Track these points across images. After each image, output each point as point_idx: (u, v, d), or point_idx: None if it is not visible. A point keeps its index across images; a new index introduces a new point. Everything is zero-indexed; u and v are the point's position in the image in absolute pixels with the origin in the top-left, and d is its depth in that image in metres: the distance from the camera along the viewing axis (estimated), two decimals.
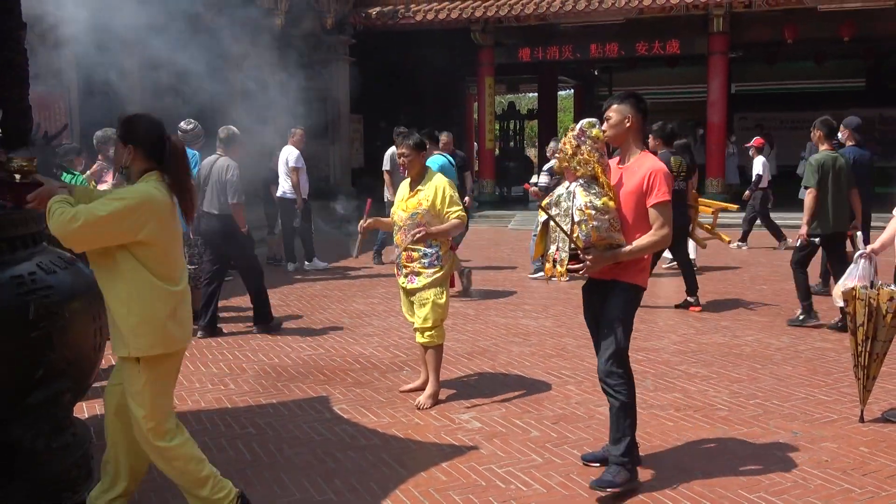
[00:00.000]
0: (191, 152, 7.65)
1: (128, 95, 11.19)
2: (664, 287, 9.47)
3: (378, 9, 18.51)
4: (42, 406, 3.41)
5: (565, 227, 3.85)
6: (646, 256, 3.99)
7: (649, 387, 5.59)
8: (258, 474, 4.17)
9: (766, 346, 6.68)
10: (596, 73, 26.68)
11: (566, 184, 3.97)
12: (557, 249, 3.94)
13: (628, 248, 3.85)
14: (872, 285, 4.95)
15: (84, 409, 5.12)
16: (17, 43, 3.87)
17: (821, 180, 7.11)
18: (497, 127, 21.97)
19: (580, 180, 3.89)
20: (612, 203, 3.84)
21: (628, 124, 3.96)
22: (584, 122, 3.96)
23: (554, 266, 3.95)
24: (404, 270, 5.27)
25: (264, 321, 7.40)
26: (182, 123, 8.20)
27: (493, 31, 18.11)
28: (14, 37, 3.86)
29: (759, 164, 12.71)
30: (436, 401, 5.26)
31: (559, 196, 3.95)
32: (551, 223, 3.95)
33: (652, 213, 3.87)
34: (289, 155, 10.84)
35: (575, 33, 18.45)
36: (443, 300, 5.21)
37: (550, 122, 24.41)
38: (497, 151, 21.96)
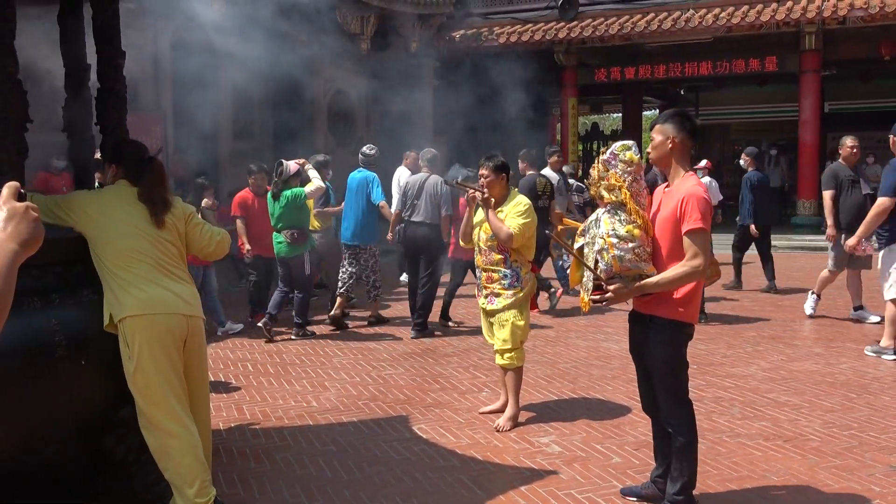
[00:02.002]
0: (370, 174, 8.68)
1: (217, 120, 11.59)
2: (742, 310, 9.19)
3: (462, 32, 18.70)
4: (132, 420, 3.53)
5: (591, 255, 3.71)
6: (689, 288, 3.64)
7: (737, 415, 5.43)
8: (338, 492, 4.21)
9: (862, 374, 6.41)
10: (682, 92, 26.23)
11: (599, 210, 3.81)
12: (587, 279, 3.79)
13: (654, 280, 3.59)
14: None
15: None
16: (116, 71, 4.06)
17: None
18: (580, 147, 21.83)
19: (608, 206, 3.71)
20: (638, 231, 3.61)
21: (671, 145, 3.72)
22: (617, 144, 3.77)
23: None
24: (484, 291, 5.27)
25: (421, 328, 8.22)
26: (365, 148, 9.12)
27: (577, 52, 18.05)
28: (114, 65, 4.05)
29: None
30: (515, 423, 5.23)
31: (589, 223, 3.82)
32: (585, 251, 3.82)
33: (685, 241, 3.57)
34: (401, 176, 10.96)
35: (661, 53, 18.23)
36: (522, 322, 5.18)
37: (635, 143, 24.10)
38: (580, 172, 21.78)
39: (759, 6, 16.45)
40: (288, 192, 7.85)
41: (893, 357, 6.87)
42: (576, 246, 3.93)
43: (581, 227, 3.95)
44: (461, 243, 5.74)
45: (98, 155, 4.29)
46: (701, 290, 3.77)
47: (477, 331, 7.32)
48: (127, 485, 3.54)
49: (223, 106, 13.09)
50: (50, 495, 3.48)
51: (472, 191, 5.26)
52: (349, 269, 8.69)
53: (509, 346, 5.18)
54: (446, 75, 17.64)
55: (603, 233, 3.65)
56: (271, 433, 5.16)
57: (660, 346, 3.72)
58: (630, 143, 3.80)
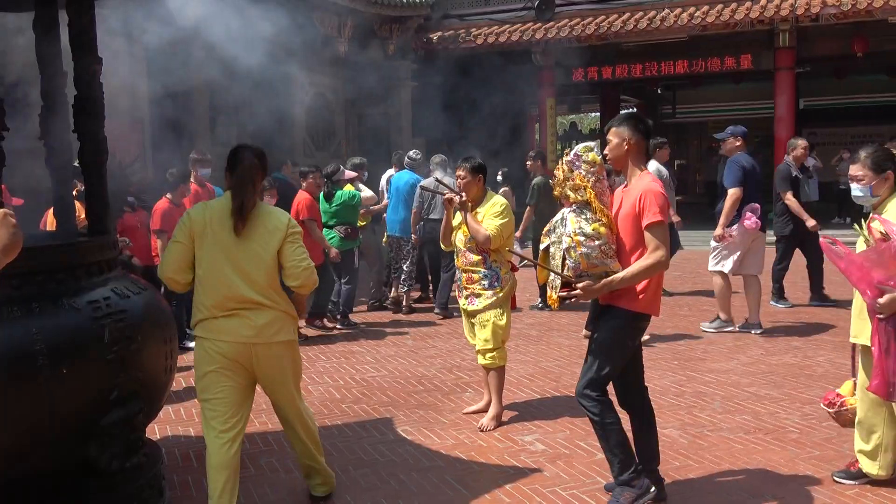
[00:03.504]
0: (415, 176, 9.57)
1: (194, 127, 11.54)
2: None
3: (439, 34, 18.73)
4: (116, 427, 3.52)
5: (558, 254, 3.80)
6: (649, 281, 3.76)
7: (718, 409, 5.49)
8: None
9: (839, 366, 6.49)
10: (659, 91, 26.41)
11: (564, 210, 3.90)
12: (554, 277, 3.86)
13: (620, 275, 3.70)
14: None
15: (156, 431, 5.25)
16: (93, 78, 4.04)
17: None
18: (559, 147, 21.91)
19: (573, 206, 3.81)
20: (603, 229, 3.72)
21: (626, 147, 3.85)
22: (580, 146, 3.88)
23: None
24: (465, 292, 5.30)
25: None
26: (411, 153, 9.97)
27: (554, 53, 18.12)
28: (90, 72, 4.03)
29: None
30: (499, 422, 5.26)
31: (555, 223, 3.91)
32: (551, 249, 3.90)
33: (646, 235, 3.71)
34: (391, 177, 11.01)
35: (637, 52, 18.34)
36: (503, 321, 5.21)
37: (597, 144, 24.21)
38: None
39: (734, 5, 16.60)
40: (343, 193, 8.62)
41: (733, 328, 7.92)
42: (542, 245, 4.02)
43: (546, 226, 4.02)
44: (442, 246, 5.77)
45: (76, 163, 4.26)
46: (659, 283, 3.87)
47: (459, 331, 7.34)
48: (113, 493, 3.53)
49: (200, 112, 13.03)
50: None
51: (448, 194, 5.30)
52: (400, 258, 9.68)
53: (491, 346, 5.21)
54: (424, 77, 17.67)
55: (570, 231, 3.74)
56: (255, 438, 5.16)
57: (607, 329, 3.85)
58: (592, 144, 3.90)
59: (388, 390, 6.22)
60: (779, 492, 4.09)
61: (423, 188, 8.45)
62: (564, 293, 3.81)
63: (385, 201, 9.96)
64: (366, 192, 9.16)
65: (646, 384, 4.14)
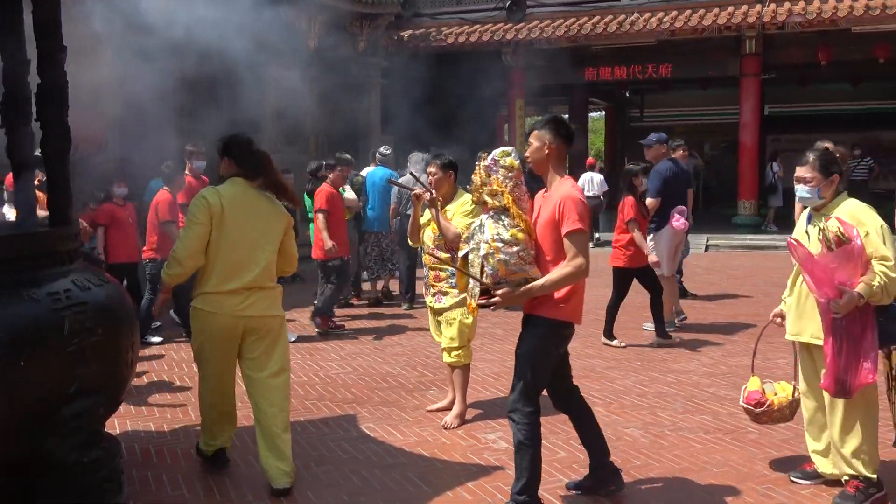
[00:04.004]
0: (388, 171, 9.90)
1: (161, 116, 11.36)
2: (700, 311, 9.40)
3: (410, 32, 18.70)
4: (75, 420, 3.47)
5: (476, 261, 3.74)
6: (569, 288, 3.71)
7: (678, 409, 5.55)
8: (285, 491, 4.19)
9: None
10: (627, 94, 26.61)
11: (482, 216, 3.84)
12: (473, 284, 3.80)
13: (540, 282, 3.65)
14: None
15: (115, 425, 5.19)
16: (57, 65, 3.98)
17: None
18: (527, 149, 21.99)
19: (491, 212, 3.75)
20: (521, 235, 3.66)
21: (547, 151, 3.80)
22: (497, 151, 3.83)
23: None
24: (432, 290, 5.31)
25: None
26: (382, 148, 10.33)
27: (524, 54, 18.19)
28: (54, 59, 3.97)
29: (581, 179, 15.76)
30: (462, 420, 5.27)
31: (474, 229, 3.84)
32: (470, 256, 3.84)
33: (565, 242, 3.65)
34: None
35: (606, 55, 18.47)
36: (469, 320, 5.22)
37: (581, 144, 24.36)
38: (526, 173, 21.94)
39: (702, 11, 16.79)
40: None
41: (673, 328, 8.07)
42: (461, 253, 3.95)
43: (464, 234, 3.98)
44: (409, 242, 5.77)
45: (38, 152, 4.20)
46: (582, 291, 3.81)
47: (424, 329, 7.34)
48: (71, 487, 3.48)
49: (167, 105, 12.86)
50: None
51: (416, 191, 5.29)
52: (372, 254, 9.91)
53: (457, 344, 5.22)
54: (394, 75, 17.63)
55: (488, 237, 3.67)
56: None
57: (530, 338, 3.79)
58: (510, 149, 3.86)
59: (353, 387, 6.21)
60: (737, 491, 4.15)
61: (391, 183, 8.46)
62: (483, 301, 3.75)
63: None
64: (349, 194, 9.13)
65: (574, 384, 4.15)
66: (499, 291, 3.67)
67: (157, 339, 7.87)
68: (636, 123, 27.52)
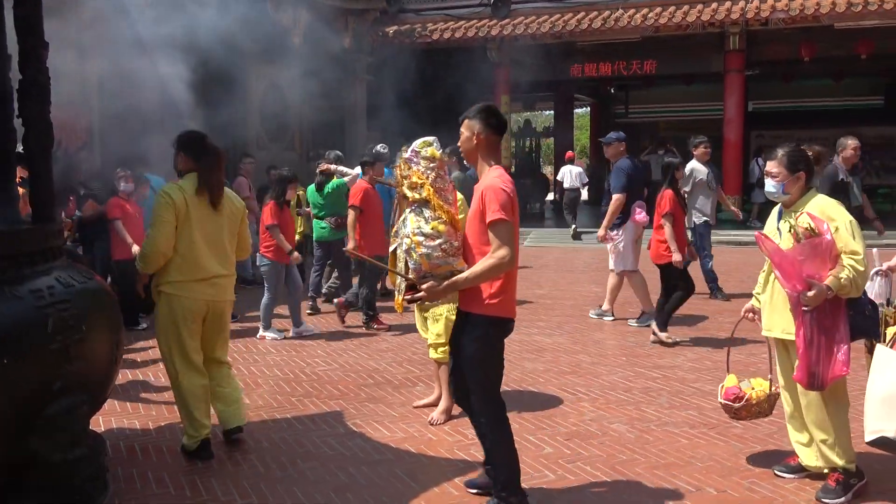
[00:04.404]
0: (386, 170, 9.42)
1: (144, 116, 11.31)
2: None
3: (395, 28, 18.67)
4: (59, 418, 3.45)
5: (402, 256, 3.70)
6: (499, 283, 3.65)
7: (664, 404, 5.58)
8: (271, 488, 4.19)
9: None
10: (612, 90, 26.69)
11: (406, 209, 3.77)
12: (401, 279, 3.76)
13: (464, 275, 3.59)
14: (888, 303, 4.92)
15: (100, 422, 5.16)
16: (39, 61, 3.95)
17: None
18: (513, 144, 22.02)
19: (414, 205, 3.68)
20: (443, 227, 3.60)
21: (476, 141, 3.74)
22: (418, 141, 3.76)
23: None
24: None
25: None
26: (378, 146, 9.98)
27: (509, 50, 18.20)
28: (37, 55, 3.93)
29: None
30: (449, 416, 5.27)
31: (399, 224, 3.78)
32: (398, 252, 3.78)
33: (489, 233, 3.57)
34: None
35: (591, 51, 18.52)
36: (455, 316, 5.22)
37: (566, 140, 24.44)
38: (512, 169, 22.00)
39: (686, 7, 16.85)
40: (332, 183, 8.92)
41: (612, 318, 8.44)
42: (391, 248, 3.91)
43: (394, 228, 3.93)
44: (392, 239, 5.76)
45: (20, 148, 4.16)
46: (513, 284, 3.75)
47: (411, 326, 7.34)
48: (54, 486, 3.46)
49: (151, 101, 12.78)
50: None
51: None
52: None
53: (443, 341, 5.21)
54: (380, 71, 17.60)
55: (409, 231, 3.63)
56: None
57: (471, 342, 3.71)
58: (431, 139, 3.79)
59: (339, 384, 6.20)
60: (722, 485, 4.17)
61: (379, 182, 8.44)
62: (409, 296, 3.69)
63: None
64: (349, 177, 8.90)
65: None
66: (423, 286, 3.61)
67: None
68: (621, 119, 27.58)
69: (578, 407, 5.53)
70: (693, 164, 9.49)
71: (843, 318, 3.86)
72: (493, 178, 3.66)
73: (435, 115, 18.51)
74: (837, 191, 7.63)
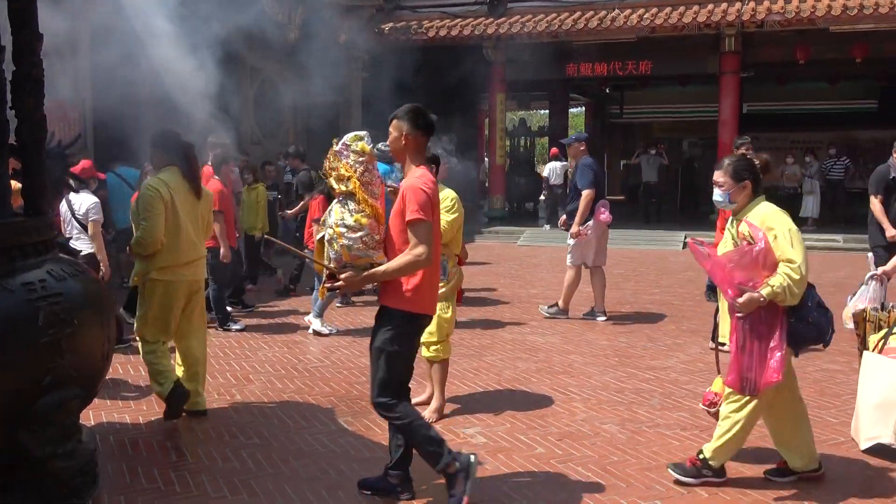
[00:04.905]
0: (385, 167, 9.14)
1: (140, 107, 11.25)
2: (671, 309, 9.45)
3: (391, 25, 18.63)
4: (49, 413, 3.42)
5: (325, 246, 3.85)
6: (416, 279, 3.77)
7: (656, 405, 5.58)
8: (262, 485, 4.17)
9: None
10: (607, 91, 26.69)
11: (334, 201, 3.91)
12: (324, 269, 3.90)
13: (382, 268, 3.72)
14: (883, 307, 4.94)
15: (90, 416, 5.14)
16: (33, 54, 3.92)
17: None
18: (508, 143, 22.02)
19: (340, 197, 3.82)
20: (365, 220, 3.73)
21: (404, 141, 3.85)
22: (349, 135, 3.88)
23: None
24: None
25: None
26: (380, 144, 9.65)
27: (505, 49, 18.19)
28: (30, 48, 3.90)
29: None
30: (441, 415, 5.26)
31: (326, 214, 3.94)
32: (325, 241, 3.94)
33: (408, 231, 3.72)
34: None
35: (587, 51, 18.50)
36: (448, 315, 5.22)
37: (368, 133, 24.36)
38: (507, 167, 22.01)
39: (682, 8, 16.85)
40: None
41: (567, 317, 8.61)
42: (317, 237, 4.11)
43: (322, 217, 4.10)
44: None
45: (13, 140, 4.13)
46: (432, 281, 3.86)
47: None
48: (44, 481, 3.43)
49: (144, 96, 12.72)
50: None
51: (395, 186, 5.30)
52: None
53: (435, 339, 5.21)
54: (375, 68, 17.57)
55: (332, 223, 3.77)
56: (194, 427, 5.08)
57: (382, 332, 3.84)
58: (363, 133, 3.89)
59: (331, 381, 6.19)
60: (713, 488, 4.17)
61: None
62: (329, 284, 3.83)
63: None
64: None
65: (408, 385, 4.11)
66: (342, 275, 3.74)
67: (237, 325, 8.07)
68: (616, 120, 27.62)
69: (570, 407, 5.53)
70: None
71: (779, 326, 3.91)
72: (415, 179, 3.79)
73: (430, 112, 18.52)
74: (889, 190, 7.55)
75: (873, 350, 4.66)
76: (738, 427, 4.06)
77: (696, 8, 16.73)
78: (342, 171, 3.79)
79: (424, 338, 5.23)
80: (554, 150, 19.12)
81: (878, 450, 4.53)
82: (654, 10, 17.01)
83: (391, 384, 3.84)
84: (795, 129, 23.56)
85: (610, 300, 8.90)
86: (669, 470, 4.22)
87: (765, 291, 3.79)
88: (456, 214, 5.18)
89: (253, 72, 15.88)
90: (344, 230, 3.71)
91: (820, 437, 4.91)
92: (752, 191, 4.09)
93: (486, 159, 20.08)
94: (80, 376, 3.62)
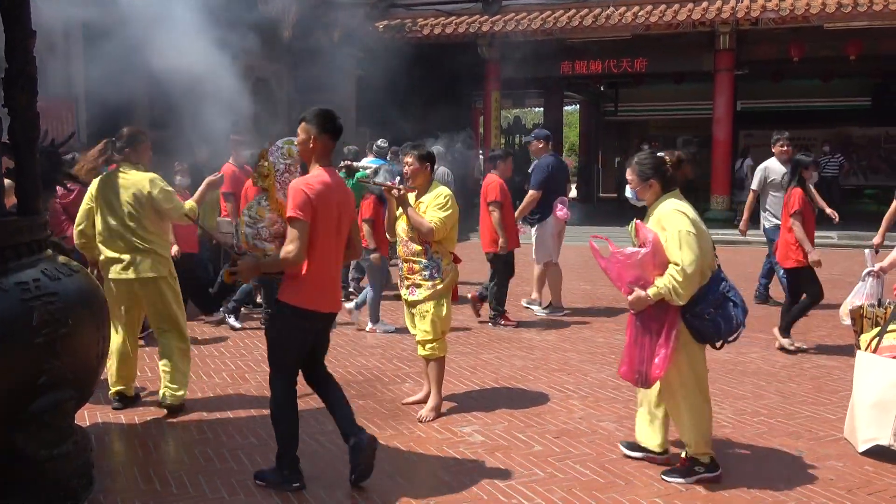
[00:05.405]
0: (379, 161, 9.74)
1: (131, 108, 11.22)
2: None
3: (386, 22, 18.60)
4: (45, 414, 3.40)
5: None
6: (301, 276, 3.94)
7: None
8: (259, 485, 4.14)
9: (771, 363, 6.66)
10: (602, 88, 26.70)
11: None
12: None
13: (265, 260, 3.99)
14: (880, 304, 4.93)
15: (85, 417, 5.11)
16: (26, 52, 3.89)
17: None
18: (503, 141, 22.01)
19: (260, 192, 4.16)
20: (267, 214, 4.04)
21: (312, 144, 4.00)
22: (284, 139, 4.18)
23: None
24: (406, 282, 5.28)
25: None
26: (379, 141, 10.30)
27: (500, 46, 18.17)
28: (23, 46, 3.87)
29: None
30: (438, 413, 5.25)
31: (247, 205, 4.27)
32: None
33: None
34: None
35: (582, 49, 18.50)
36: (443, 313, 5.19)
37: (555, 138, 24.42)
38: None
39: (676, 6, 16.85)
40: (361, 175, 8.82)
41: (539, 308, 8.80)
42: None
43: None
44: (387, 236, 5.76)
45: (6, 138, 4.10)
46: (318, 279, 3.98)
47: (400, 321, 7.31)
48: (40, 482, 3.41)
49: (138, 93, 12.68)
50: None
51: (388, 184, 5.35)
52: None
53: (430, 337, 5.19)
54: (369, 66, 17.54)
55: (244, 213, 4.13)
56: (190, 427, 5.06)
57: (274, 322, 4.17)
58: (295, 139, 4.11)
59: None
60: (711, 485, 4.16)
61: (360, 182, 8.40)
62: (231, 269, 4.07)
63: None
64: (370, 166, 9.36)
65: (328, 372, 4.38)
66: (239, 262, 4.02)
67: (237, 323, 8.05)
68: (610, 118, 27.63)
69: (568, 405, 5.52)
70: (768, 163, 8.96)
71: (670, 323, 3.99)
72: (301, 178, 3.99)
73: (425, 110, 18.49)
74: None
75: (866, 349, 4.65)
76: (694, 415, 4.15)
77: (690, 5, 16.74)
78: (265, 169, 4.12)
79: (419, 336, 5.23)
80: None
81: (876, 452, 4.51)
82: (649, 7, 17.01)
83: (278, 371, 4.11)
84: (789, 127, 23.49)
85: (606, 297, 8.89)
86: (663, 477, 4.21)
87: (651, 291, 3.94)
88: (449, 212, 5.15)
89: (247, 70, 15.83)
90: (248, 220, 4.05)
91: (818, 434, 4.91)
92: (662, 188, 4.18)
93: (480, 157, 20.00)
94: (75, 377, 3.60)
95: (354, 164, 8.84)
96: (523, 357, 6.86)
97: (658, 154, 4.30)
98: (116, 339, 5.23)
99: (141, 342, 7.90)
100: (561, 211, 8.49)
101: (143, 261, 5.16)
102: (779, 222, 8.53)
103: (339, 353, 7.00)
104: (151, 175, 5.24)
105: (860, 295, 5.07)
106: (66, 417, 3.59)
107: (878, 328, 4.67)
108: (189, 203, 5.38)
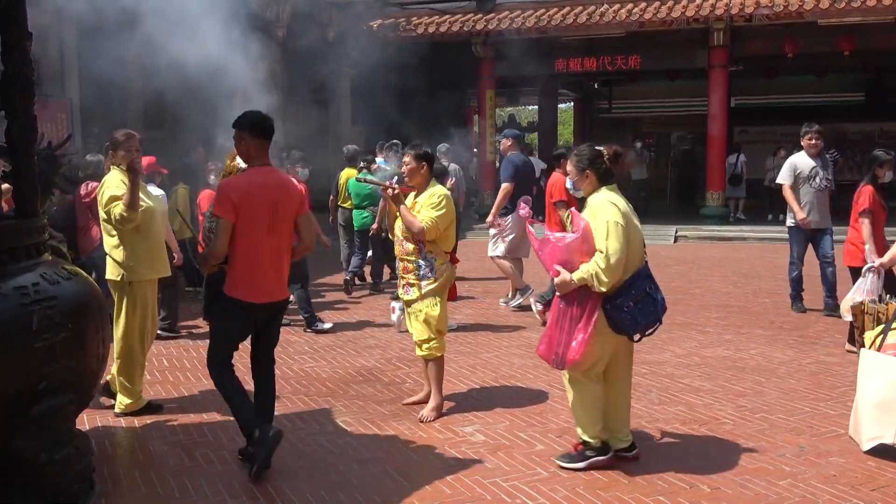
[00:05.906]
0: (380, 161, 10.60)
1: (128, 107, 11.22)
2: None
3: (380, 21, 18.56)
4: (45, 418, 3.38)
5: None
6: (235, 269, 4.24)
7: (654, 400, 5.57)
8: (261, 487, 4.13)
9: (771, 359, 6.66)
10: (596, 86, 26.66)
11: None
12: None
13: (203, 252, 4.36)
14: (881, 299, 4.94)
15: (85, 421, 5.08)
16: (22, 54, 3.86)
17: None
18: (497, 140, 21.99)
19: None
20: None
21: (244, 146, 4.34)
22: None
23: None
24: (402, 281, 5.27)
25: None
26: (393, 142, 10.87)
27: (494, 44, 18.16)
28: (19, 48, 3.85)
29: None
30: (439, 413, 5.23)
31: None
32: None
33: None
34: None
35: (576, 46, 18.50)
36: (436, 312, 5.16)
37: (550, 135, 24.41)
38: (497, 164, 21.98)
39: (670, 3, 16.86)
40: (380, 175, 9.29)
41: (531, 290, 8.79)
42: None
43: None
44: (389, 235, 5.79)
45: (3, 142, 4.07)
46: (250, 272, 4.24)
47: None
48: (40, 487, 3.39)
49: (132, 94, 12.64)
50: None
51: (385, 184, 5.37)
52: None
53: (426, 337, 5.17)
54: (364, 65, 17.51)
55: (206, 212, 4.57)
56: (190, 429, 5.04)
57: (214, 313, 4.57)
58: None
59: (327, 381, 6.15)
60: (714, 482, 4.16)
61: (357, 181, 8.37)
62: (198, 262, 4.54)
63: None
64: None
65: (270, 366, 4.60)
66: (201, 251, 4.45)
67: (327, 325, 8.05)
68: (604, 115, 27.59)
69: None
70: (796, 158, 8.46)
71: (591, 310, 4.14)
72: (227, 179, 4.45)
73: (420, 109, 18.47)
74: None
75: (870, 347, 4.65)
76: (575, 400, 4.37)
77: (684, 2, 16.75)
78: (230, 170, 4.68)
79: (416, 336, 5.21)
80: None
81: (879, 449, 4.50)
82: (643, 4, 17.01)
83: (214, 354, 4.40)
84: (784, 123, 23.62)
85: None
86: (557, 461, 4.37)
87: (576, 276, 4.09)
88: (443, 211, 5.13)
89: (239, 70, 15.77)
90: (208, 215, 4.39)
91: (819, 430, 4.92)
92: (598, 180, 4.32)
93: (475, 153, 19.99)
94: (75, 381, 3.58)
95: (368, 178, 8.87)
96: (522, 355, 6.85)
97: (596, 147, 4.45)
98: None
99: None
100: (523, 210, 8.42)
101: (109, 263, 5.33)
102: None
103: (338, 354, 6.98)
104: (107, 177, 5.31)
105: (861, 291, 5.07)
106: (66, 421, 3.57)
107: (882, 325, 4.67)
108: (118, 207, 5.02)
